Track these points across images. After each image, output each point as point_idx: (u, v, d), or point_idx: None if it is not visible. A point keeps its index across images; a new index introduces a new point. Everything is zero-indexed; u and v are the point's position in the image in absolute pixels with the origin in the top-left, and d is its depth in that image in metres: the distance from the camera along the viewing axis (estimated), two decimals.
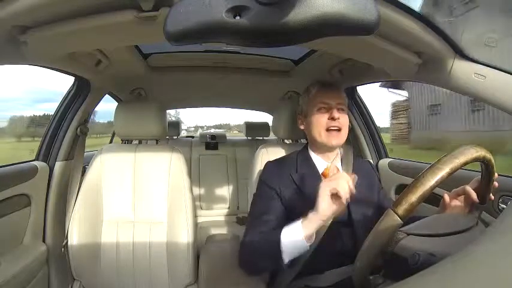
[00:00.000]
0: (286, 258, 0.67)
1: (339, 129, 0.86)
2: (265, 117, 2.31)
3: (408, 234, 0.48)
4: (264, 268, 0.79)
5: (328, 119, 0.86)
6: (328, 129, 0.86)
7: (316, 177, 0.85)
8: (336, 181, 0.62)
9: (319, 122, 0.87)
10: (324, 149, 0.90)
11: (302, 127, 0.95)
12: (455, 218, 0.58)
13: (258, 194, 0.88)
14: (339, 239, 0.77)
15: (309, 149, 0.94)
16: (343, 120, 0.87)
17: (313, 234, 0.66)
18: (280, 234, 0.68)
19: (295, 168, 0.88)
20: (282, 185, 0.84)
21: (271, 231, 0.74)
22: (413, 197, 0.45)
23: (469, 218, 0.54)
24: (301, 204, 0.80)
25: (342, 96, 0.90)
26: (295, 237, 0.66)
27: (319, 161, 0.90)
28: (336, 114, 0.85)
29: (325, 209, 0.62)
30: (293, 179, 0.85)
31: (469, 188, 0.63)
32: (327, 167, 0.87)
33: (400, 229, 0.48)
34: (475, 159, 0.48)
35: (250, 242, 0.78)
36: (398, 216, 0.45)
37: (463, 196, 0.66)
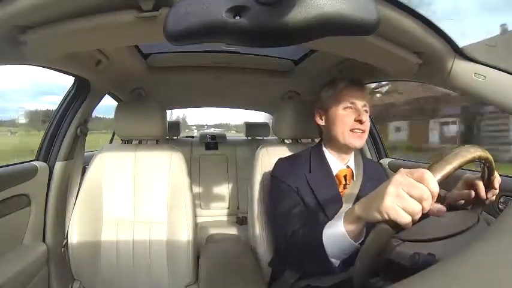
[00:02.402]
0: (336, 260, 0.59)
1: (363, 132, 0.83)
2: (263, 118, 2.32)
3: (404, 241, 0.47)
4: (314, 270, 0.69)
5: (355, 120, 0.82)
6: (352, 130, 0.82)
7: (330, 180, 0.84)
8: (417, 185, 0.42)
9: (345, 121, 0.82)
10: (343, 149, 0.86)
11: (321, 122, 0.90)
12: (454, 218, 0.57)
13: (276, 193, 0.85)
14: None
15: (323, 147, 0.90)
16: (368, 123, 0.84)
17: (363, 230, 0.54)
18: (322, 238, 0.59)
19: (308, 167, 0.85)
20: (298, 183, 0.82)
21: (311, 231, 0.67)
22: (442, 168, 0.44)
23: (468, 217, 0.54)
24: (314, 207, 0.80)
25: (368, 98, 0.86)
26: (339, 239, 0.55)
27: (334, 162, 0.87)
28: (363, 117, 0.81)
29: (388, 208, 0.43)
30: (307, 179, 0.82)
31: (480, 182, 0.57)
32: (341, 169, 0.86)
33: (396, 236, 0.47)
34: (471, 160, 0.48)
35: (293, 245, 0.71)
36: (390, 226, 0.45)
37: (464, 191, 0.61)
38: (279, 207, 0.82)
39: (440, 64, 0.72)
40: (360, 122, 0.81)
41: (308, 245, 0.65)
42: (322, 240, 0.59)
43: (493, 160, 0.53)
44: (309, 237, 0.67)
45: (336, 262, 0.59)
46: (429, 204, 0.42)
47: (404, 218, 0.42)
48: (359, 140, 0.82)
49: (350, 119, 0.82)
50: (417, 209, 0.42)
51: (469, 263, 0.28)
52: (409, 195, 0.43)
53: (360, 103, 0.83)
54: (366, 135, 0.84)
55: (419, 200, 0.42)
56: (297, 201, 0.80)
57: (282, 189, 0.83)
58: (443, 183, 0.45)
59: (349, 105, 0.83)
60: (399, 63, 0.78)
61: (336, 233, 0.56)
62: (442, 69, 0.72)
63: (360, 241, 0.55)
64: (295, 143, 1.18)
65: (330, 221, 0.60)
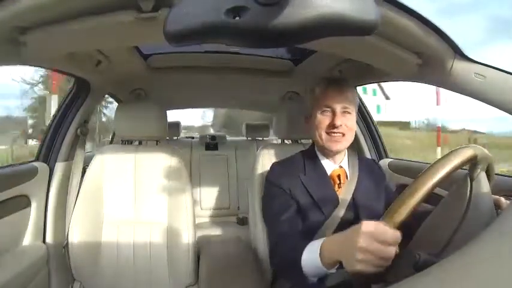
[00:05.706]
0: (313, 278, 0.61)
1: (342, 135, 0.82)
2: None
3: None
4: (297, 282, 0.69)
5: (329, 124, 0.81)
6: (328, 133, 0.82)
7: (325, 180, 0.85)
8: (379, 244, 0.44)
9: (320, 125, 0.83)
10: (326, 151, 0.86)
11: (308, 127, 0.91)
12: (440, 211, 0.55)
13: (268, 195, 0.86)
14: None
15: (315, 149, 0.91)
16: (349, 123, 0.82)
17: (336, 262, 0.55)
18: (301, 257, 0.61)
19: (303, 169, 0.86)
20: (292, 186, 0.82)
21: (295, 245, 0.67)
22: (401, 210, 0.44)
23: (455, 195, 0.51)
24: (310, 207, 0.80)
25: (347, 98, 0.83)
26: (315, 265, 0.58)
27: (327, 163, 0.87)
28: (337, 121, 0.80)
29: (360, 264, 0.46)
30: (302, 181, 0.83)
31: None
32: (334, 169, 0.86)
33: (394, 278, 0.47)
34: (470, 161, 0.47)
35: (276, 253, 0.76)
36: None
37: None
38: (268, 210, 0.84)
39: (440, 64, 0.72)
40: (334, 126, 0.80)
41: (289, 259, 0.67)
42: (301, 260, 0.61)
43: (492, 159, 0.52)
44: (290, 252, 0.68)
45: (312, 279, 0.61)
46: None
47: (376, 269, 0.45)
48: (337, 144, 0.81)
49: (325, 123, 0.82)
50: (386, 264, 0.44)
51: (469, 263, 0.28)
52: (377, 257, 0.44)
53: (336, 106, 0.81)
54: (346, 138, 0.82)
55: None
56: (287, 204, 0.80)
57: (273, 193, 0.84)
58: (443, 182, 0.44)
59: (326, 108, 0.82)
60: (399, 63, 0.78)
61: (312, 259, 0.59)
62: (442, 70, 0.72)
63: (335, 268, 0.56)
64: (295, 143, 1.19)
65: (311, 242, 0.62)
